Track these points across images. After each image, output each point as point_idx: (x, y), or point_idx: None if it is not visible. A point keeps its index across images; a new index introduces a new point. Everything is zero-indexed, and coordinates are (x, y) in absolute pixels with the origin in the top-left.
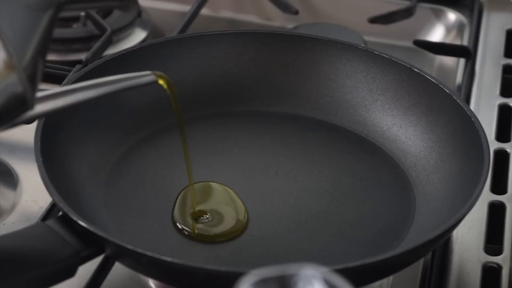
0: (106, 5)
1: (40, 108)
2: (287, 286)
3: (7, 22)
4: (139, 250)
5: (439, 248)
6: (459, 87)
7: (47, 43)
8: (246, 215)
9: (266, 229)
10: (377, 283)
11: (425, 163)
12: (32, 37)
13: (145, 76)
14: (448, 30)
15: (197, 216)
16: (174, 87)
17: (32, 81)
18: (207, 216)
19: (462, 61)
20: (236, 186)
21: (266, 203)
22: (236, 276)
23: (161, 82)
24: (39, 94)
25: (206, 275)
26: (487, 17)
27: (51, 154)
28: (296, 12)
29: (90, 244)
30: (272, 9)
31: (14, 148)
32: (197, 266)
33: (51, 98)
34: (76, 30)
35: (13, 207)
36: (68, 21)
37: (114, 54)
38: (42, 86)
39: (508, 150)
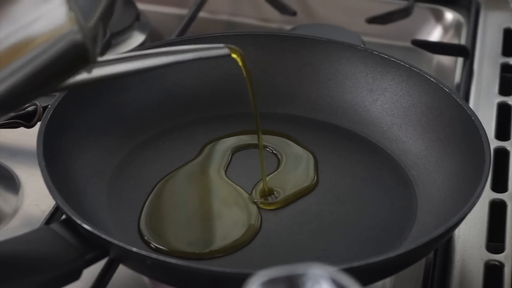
0: None
1: (100, 71)
2: (295, 286)
3: None
4: (144, 252)
5: (441, 247)
6: (458, 86)
7: (111, 9)
8: (259, 219)
9: (269, 230)
10: (379, 282)
11: (426, 162)
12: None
13: (218, 49)
14: (446, 29)
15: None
16: (247, 62)
17: (94, 40)
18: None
19: (460, 60)
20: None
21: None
22: (242, 278)
23: (234, 55)
24: (100, 59)
25: (212, 276)
26: (485, 16)
27: (53, 158)
28: (293, 14)
29: (94, 247)
30: (270, 11)
31: (15, 152)
32: (202, 268)
33: (112, 62)
34: None
35: (15, 211)
36: None
37: None
38: None
39: (508, 148)
